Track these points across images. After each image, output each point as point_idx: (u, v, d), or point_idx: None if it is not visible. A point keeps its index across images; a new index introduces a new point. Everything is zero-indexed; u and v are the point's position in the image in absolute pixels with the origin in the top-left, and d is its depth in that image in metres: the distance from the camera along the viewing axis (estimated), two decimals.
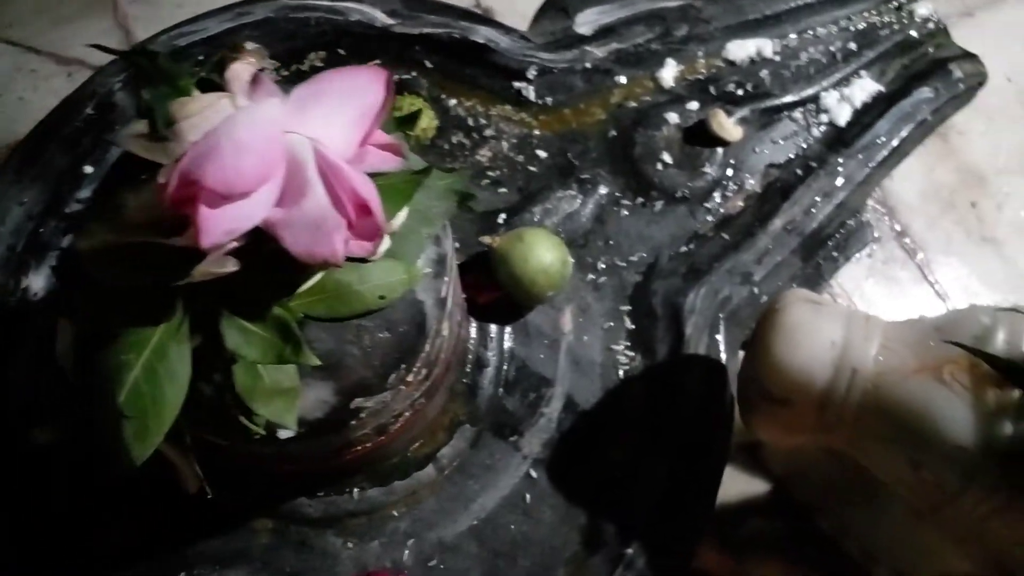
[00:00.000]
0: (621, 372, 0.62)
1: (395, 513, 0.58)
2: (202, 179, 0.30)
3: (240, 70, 0.37)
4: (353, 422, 0.44)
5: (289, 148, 0.34)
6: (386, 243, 0.40)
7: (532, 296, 0.59)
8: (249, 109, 0.34)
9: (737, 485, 0.76)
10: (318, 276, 0.39)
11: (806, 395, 0.50)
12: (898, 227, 0.93)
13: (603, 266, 0.64)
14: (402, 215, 0.40)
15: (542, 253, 0.58)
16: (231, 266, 0.34)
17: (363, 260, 0.40)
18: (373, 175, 0.37)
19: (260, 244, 0.34)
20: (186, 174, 0.30)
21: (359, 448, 0.50)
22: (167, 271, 0.34)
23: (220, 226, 0.30)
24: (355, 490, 0.57)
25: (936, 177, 0.97)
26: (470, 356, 0.60)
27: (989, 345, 0.47)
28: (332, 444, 0.47)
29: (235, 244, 0.34)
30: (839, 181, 0.66)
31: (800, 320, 0.50)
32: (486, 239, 0.59)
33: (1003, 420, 0.45)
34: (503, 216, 0.64)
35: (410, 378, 0.45)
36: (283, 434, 0.40)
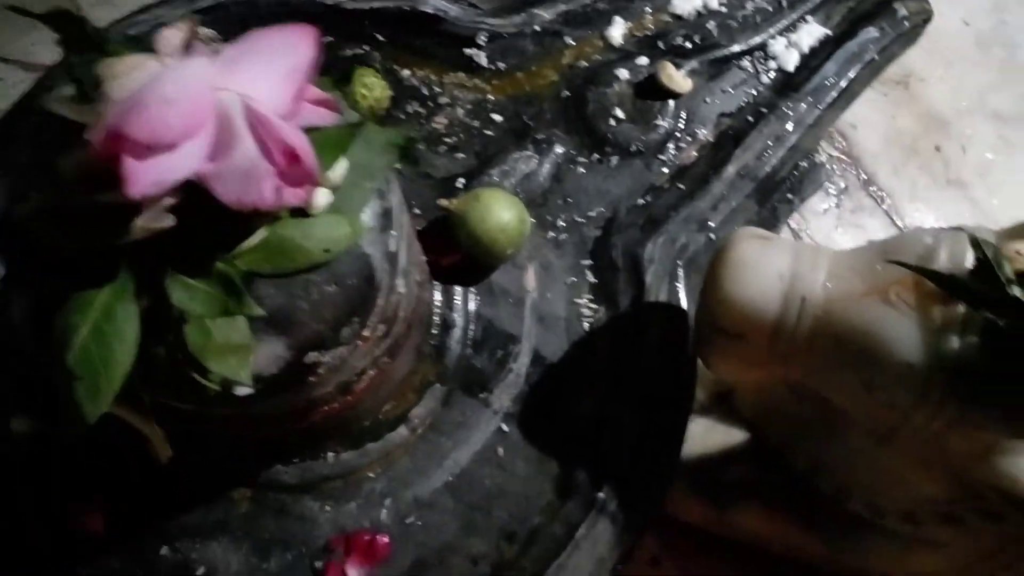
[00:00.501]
0: (586, 325, 0.63)
1: (371, 474, 0.59)
2: (127, 131, 0.31)
3: (170, 35, 0.38)
4: (312, 378, 0.45)
5: (218, 103, 0.35)
6: (327, 197, 0.41)
7: (493, 255, 0.60)
8: (176, 67, 0.35)
9: (716, 435, 0.77)
10: (262, 234, 0.40)
11: (758, 327, 0.51)
12: (864, 176, 0.94)
13: (563, 223, 0.65)
14: (341, 169, 0.41)
15: (499, 212, 0.59)
16: (168, 221, 0.35)
17: (305, 214, 0.41)
18: (309, 130, 0.38)
19: (198, 200, 0.35)
20: (112, 128, 0.31)
21: (325, 408, 0.51)
22: (106, 230, 0.35)
23: (147, 177, 0.31)
24: (329, 454, 0.58)
25: (899, 124, 0.98)
26: (436, 318, 0.61)
27: (933, 264, 0.48)
28: (295, 403, 0.48)
29: (171, 200, 0.35)
30: (789, 125, 0.67)
31: (748, 255, 0.51)
32: (443, 202, 0.60)
33: (949, 335, 0.46)
34: (462, 181, 0.65)
35: (366, 333, 0.46)
36: (240, 391, 0.41)
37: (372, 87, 0.63)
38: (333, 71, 0.65)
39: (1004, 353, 0.44)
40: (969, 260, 0.46)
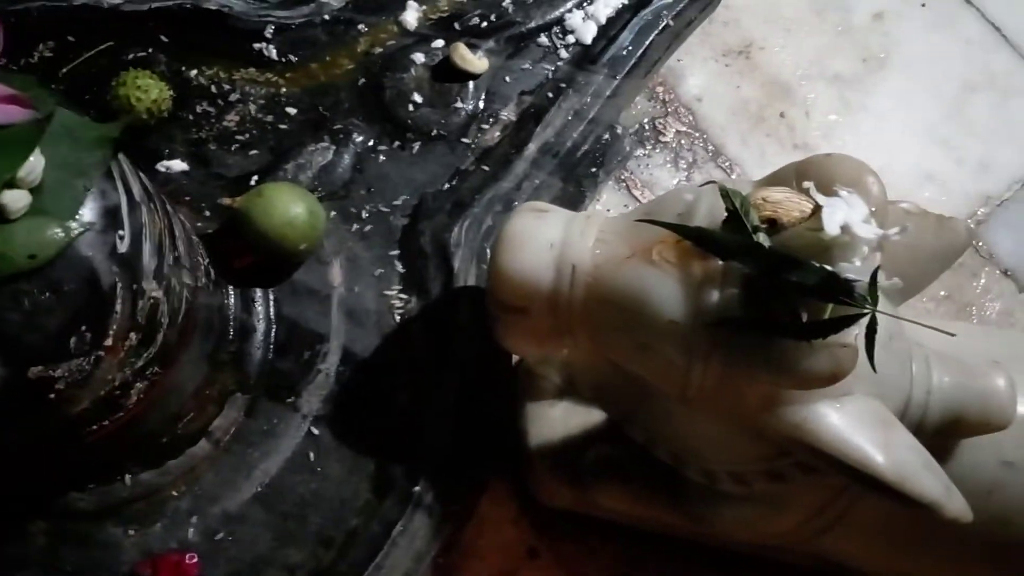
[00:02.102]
0: (397, 316, 0.61)
1: (174, 493, 0.56)
2: None
3: None
4: (51, 395, 0.42)
5: None
6: (24, 199, 0.38)
7: (285, 251, 0.58)
8: None
9: (576, 417, 0.76)
10: None
11: (536, 299, 0.50)
12: (712, 147, 0.95)
13: (367, 214, 0.64)
14: (36, 167, 0.38)
15: (285, 206, 0.57)
16: None
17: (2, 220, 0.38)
18: None
19: None
20: None
21: (95, 427, 0.48)
22: None
23: None
24: (126, 476, 0.56)
25: (743, 94, 0.99)
26: (232, 324, 0.59)
27: (692, 219, 0.47)
28: (49, 423, 0.45)
29: None
30: (589, 98, 0.67)
31: (521, 227, 0.51)
32: (226, 200, 0.58)
33: (709, 289, 0.45)
34: (255, 178, 0.63)
35: (108, 343, 0.43)
36: None
37: (147, 89, 0.60)
38: (114, 76, 0.63)
39: (757, 300, 0.44)
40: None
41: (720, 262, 0.46)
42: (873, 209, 0.45)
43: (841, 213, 0.41)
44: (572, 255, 0.49)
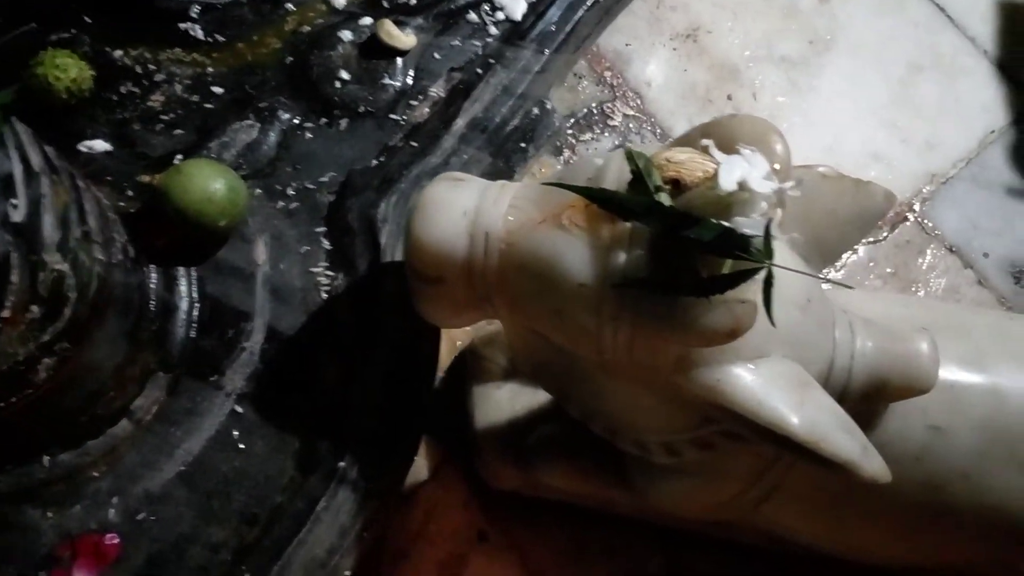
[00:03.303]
0: (323, 293, 0.61)
1: (95, 474, 0.56)
2: None
3: None
4: None
5: None
6: None
7: (204, 227, 0.58)
8: None
9: (523, 398, 0.76)
10: None
11: (452, 268, 0.50)
12: (660, 131, 0.95)
13: (293, 192, 0.63)
14: None
15: (203, 182, 0.57)
16: None
17: None
18: None
19: None
20: None
21: (3, 404, 0.48)
22: None
23: None
24: (44, 457, 0.55)
25: (690, 77, 0.99)
26: (153, 302, 0.58)
27: (602, 183, 0.47)
28: None
29: None
30: (517, 73, 0.66)
31: (435, 196, 0.50)
32: (144, 178, 0.58)
33: (617, 251, 0.45)
34: (179, 157, 0.62)
35: (5, 314, 0.43)
36: None
37: (66, 68, 0.59)
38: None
39: (663, 261, 0.44)
40: None
41: (628, 225, 0.46)
42: (777, 167, 0.45)
43: (739, 170, 0.41)
44: (485, 222, 0.49)
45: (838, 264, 0.88)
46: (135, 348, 0.57)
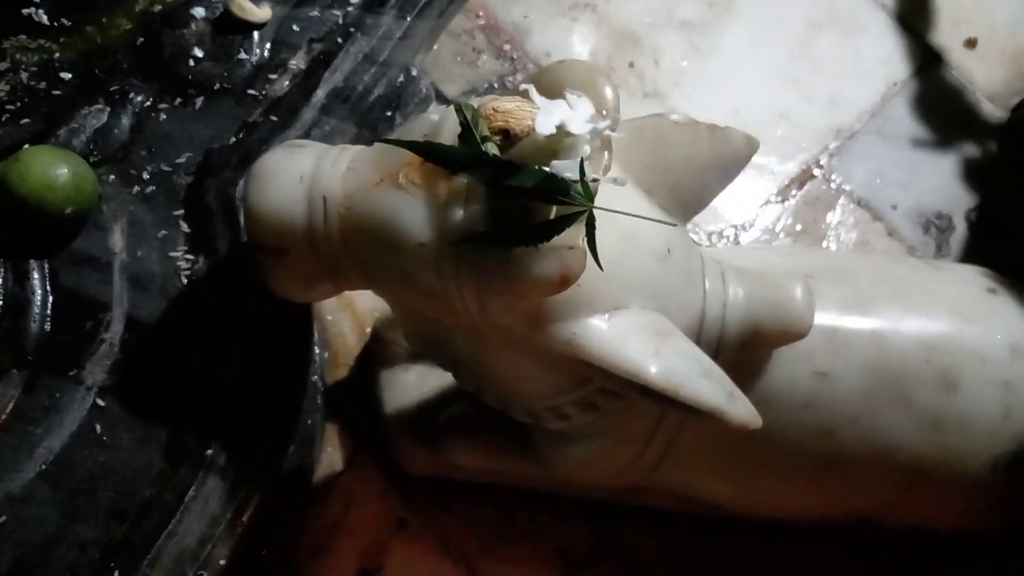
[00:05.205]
0: (184, 278, 0.59)
1: None
2: None
3: None
4: None
5: None
6: None
7: (51, 216, 0.55)
8: None
9: (432, 380, 0.74)
10: None
11: (293, 237, 0.48)
12: None
13: (149, 175, 0.61)
14: None
15: (42, 169, 0.54)
16: None
17: None
18: None
19: None
20: None
21: None
22: None
23: None
24: None
25: (592, 46, 0.98)
26: (2, 298, 0.56)
27: (438, 140, 0.46)
28: None
29: None
30: (378, 40, 0.65)
31: (271, 163, 0.49)
32: None
33: (455, 208, 0.44)
34: (27, 147, 0.60)
35: None
36: None
37: None
38: None
39: (499, 214, 0.43)
40: None
41: (465, 180, 0.45)
42: (604, 111, 0.44)
43: (558, 114, 0.41)
44: (322, 186, 0.48)
45: (746, 223, 0.88)
46: None
